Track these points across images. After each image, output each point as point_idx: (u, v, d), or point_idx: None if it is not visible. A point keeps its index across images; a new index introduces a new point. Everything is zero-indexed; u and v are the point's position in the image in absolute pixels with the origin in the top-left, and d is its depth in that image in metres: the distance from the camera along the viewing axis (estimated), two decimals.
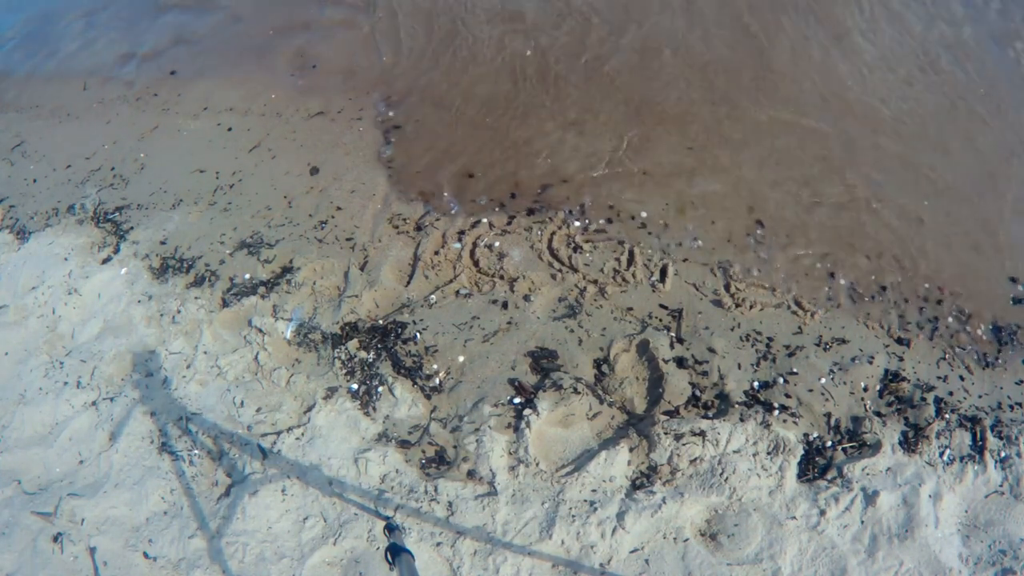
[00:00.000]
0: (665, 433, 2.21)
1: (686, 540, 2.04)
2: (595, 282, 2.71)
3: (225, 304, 2.78)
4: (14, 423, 2.52)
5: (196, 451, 2.36)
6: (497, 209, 3.04)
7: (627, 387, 2.39)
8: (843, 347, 2.47)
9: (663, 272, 2.73)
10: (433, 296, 2.72)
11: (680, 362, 2.44)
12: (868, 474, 2.13)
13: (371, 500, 2.17)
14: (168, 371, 2.59)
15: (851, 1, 3.76)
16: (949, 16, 3.68)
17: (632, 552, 2.03)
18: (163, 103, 3.93)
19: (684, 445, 2.19)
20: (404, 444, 2.31)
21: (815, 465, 2.19)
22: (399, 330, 2.62)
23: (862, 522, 2.05)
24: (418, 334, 2.60)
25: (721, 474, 2.13)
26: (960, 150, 3.11)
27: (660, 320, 2.58)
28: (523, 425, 2.28)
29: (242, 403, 2.45)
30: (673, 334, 2.52)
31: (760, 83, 3.42)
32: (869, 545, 2.00)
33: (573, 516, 2.08)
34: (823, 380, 2.37)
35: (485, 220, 2.98)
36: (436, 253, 2.87)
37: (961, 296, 2.62)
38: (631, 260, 2.78)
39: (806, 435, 2.25)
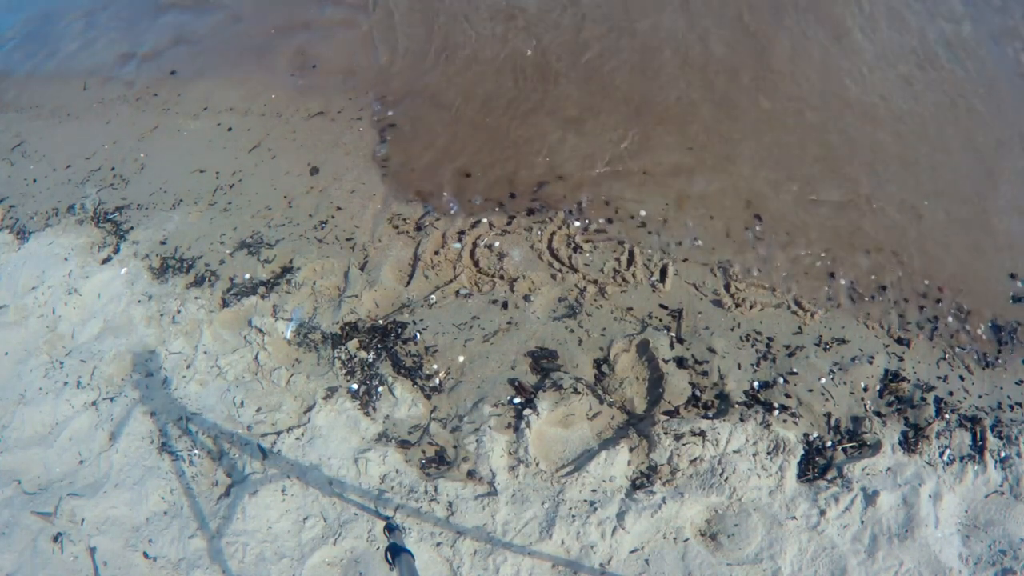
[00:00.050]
0: (665, 433, 2.21)
1: (686, 540, 2.04)
2: (595, 282, 2.71)
3: (225, 304, 2.78)
4: (14, 423, 2.52)
5: (196, 451, 2.36)
6: (497, 209, 3.04)
7: (627, 387, 2.39)
8: (843, 347, 2.47)
9: (663, 272, 2.72)
10: (433, 296, 2.72)
11: (680, 362, 2.44)
12: (868, 474, 2.13)
13: (371, 500, 2.17)
14: (168, 371, 2.59)
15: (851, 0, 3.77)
16: (949, 14, 3.68)
17: (632, 552, 2.03)
18: (163, 103, 3.93)
19: (684, 445, 2.19)
20: (404, 444, 2.31)
21: (815, 465, 2.19)
22: (399, 330, 2.62)
23: (862, 522, 2.05)
24: (418, 334, 2.60)
25: (721, 474, 2.13)
26: (960, 148, 3.11)
27: (660, 320, 2.58)
28: (523, 425, 2.28)
29: (242, 403, 2.45)
30: (673, 334, 2.52)
31: (760, 82, 3.42)
32: (869, 545, 2.00)
33: (573, 516, 2.08)
34: (823, 380, 2.37)
35: (485, 220, 2.98)
36: (436, 253, 2.87)
37: (961, 291, 2.63)
38: (631, 260, 2.78)
39: (806, 435, 2.25)
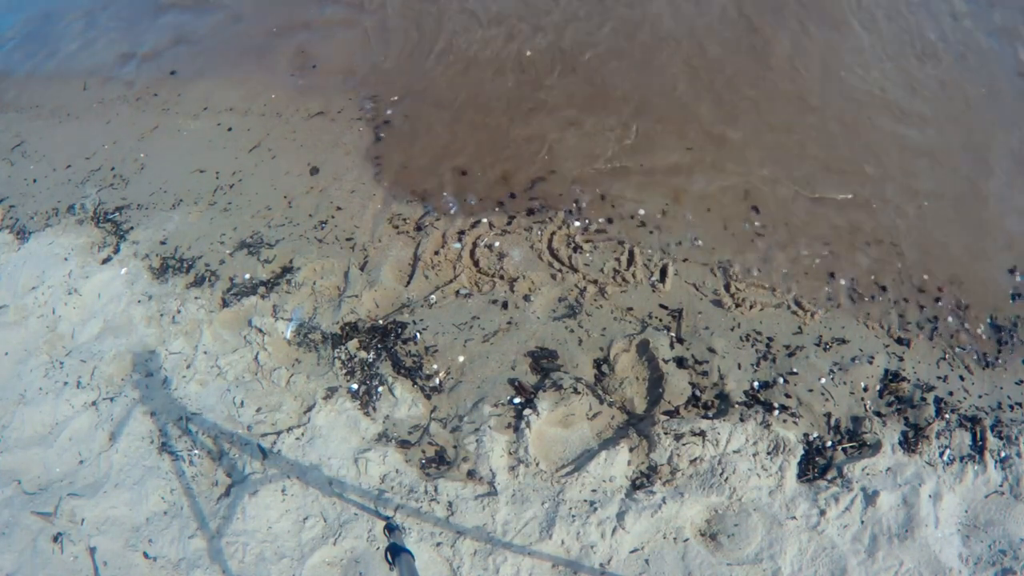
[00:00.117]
0: (665, 433, 2.21)
1: (686, 540, 2.04)
2: (595, 282, 2.71)
3: (225, 304, 2.78)
4: (14, 423, 2.52)
5: (196, 451, 2.36)
6: (497, 209, 3.04)
7: (627, 387, 2.39)
8: (843, 347, 2.47)
9: (663, 272, 2.72)
10: (433, 296, 2.72)
11: (680, 362, 2.44)
12: (868, 474, 2.13)
13: (371, 500, 2.17)
14: (168, 371, 2.59)
15: None
16: (950, 10, 3.68)
17: (632, 552, 2.03)
18: (163, 103, 3.93)
19: (684, 445, 2.19)
20: (404, 444, 2.31)
21: (815, 465, 2.19)
22: (399, 330, 2.62)
23: (862, 522, 2.05)
24: (418, 334, 2.60)
25: (721, 474, 2.13)
26: (960, 146, 3.11)
27: (660, 320, 2.58)
28: (523, 425, 2.28)
29: (242, 403, 2.45)
30: (673, 334, 2.52)
31: (760, 81, 3.42)
32: (869, 545, 2.00)
33: (573, 516, 2.08)
34: (823, 380, 2.37)
35: (485, 220, 2.98)
36: (436, 253, 2.87)
37: (961, 287, 2.63)
38: (631, 260, 2.78)
39: (806, 435, 2.25)
